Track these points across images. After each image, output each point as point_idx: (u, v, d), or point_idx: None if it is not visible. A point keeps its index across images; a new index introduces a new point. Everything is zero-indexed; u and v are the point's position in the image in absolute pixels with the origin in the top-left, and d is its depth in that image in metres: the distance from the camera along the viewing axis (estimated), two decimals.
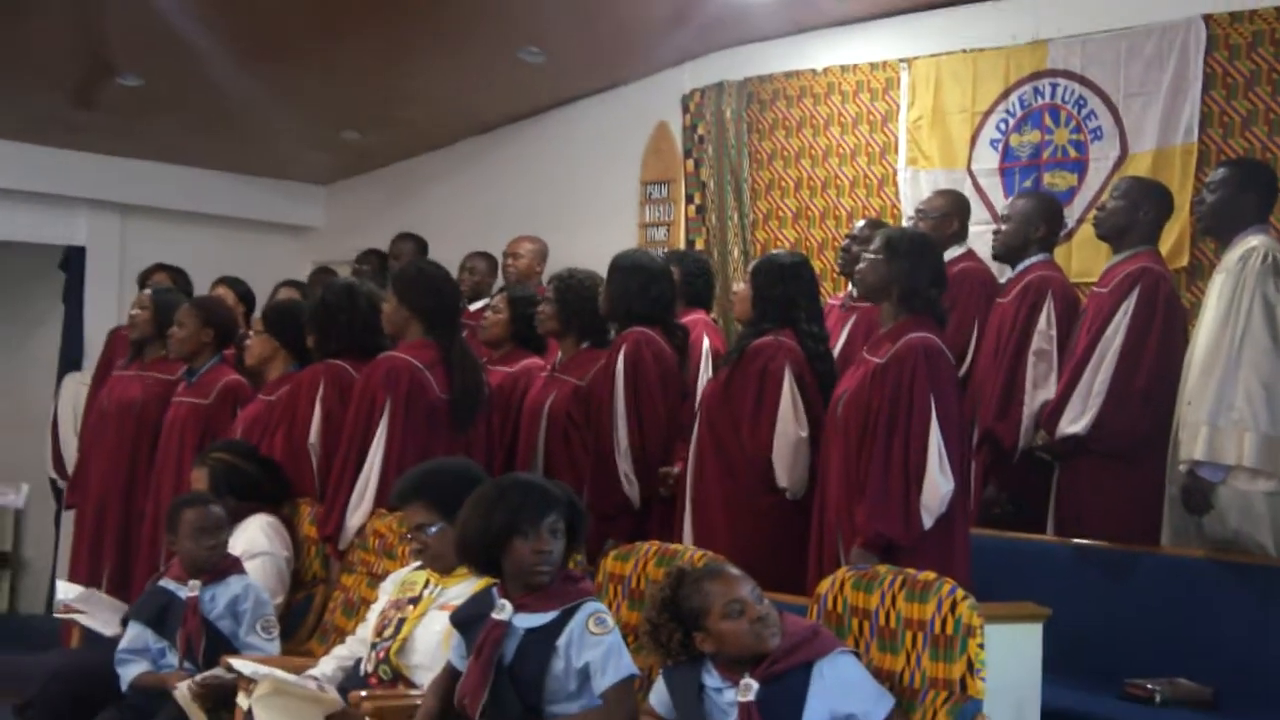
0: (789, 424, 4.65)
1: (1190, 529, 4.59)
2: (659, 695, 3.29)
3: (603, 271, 5.31)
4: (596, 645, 3.35)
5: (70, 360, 8.49)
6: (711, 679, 3.17)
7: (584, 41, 7.26)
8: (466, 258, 7.44)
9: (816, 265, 6.17)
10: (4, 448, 8.85)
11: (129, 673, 4.32)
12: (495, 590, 3.49)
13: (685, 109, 7.55)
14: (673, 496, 4.99)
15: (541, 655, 3.36)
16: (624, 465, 4.96)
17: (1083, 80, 6.18)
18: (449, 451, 4.68)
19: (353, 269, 7.75)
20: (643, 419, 5.00)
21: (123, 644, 4.40)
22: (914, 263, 4.27)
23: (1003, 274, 5.64)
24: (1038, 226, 5.38)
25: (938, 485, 4.01)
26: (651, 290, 5.16)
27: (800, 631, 3.19)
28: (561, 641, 3.37)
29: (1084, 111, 6.17)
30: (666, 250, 7.03)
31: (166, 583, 4.45)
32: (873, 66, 6.88)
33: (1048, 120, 6.29)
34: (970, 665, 3.03)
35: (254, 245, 9.00)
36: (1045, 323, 5.16)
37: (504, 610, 3.43)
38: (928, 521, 4.02)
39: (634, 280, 5.15)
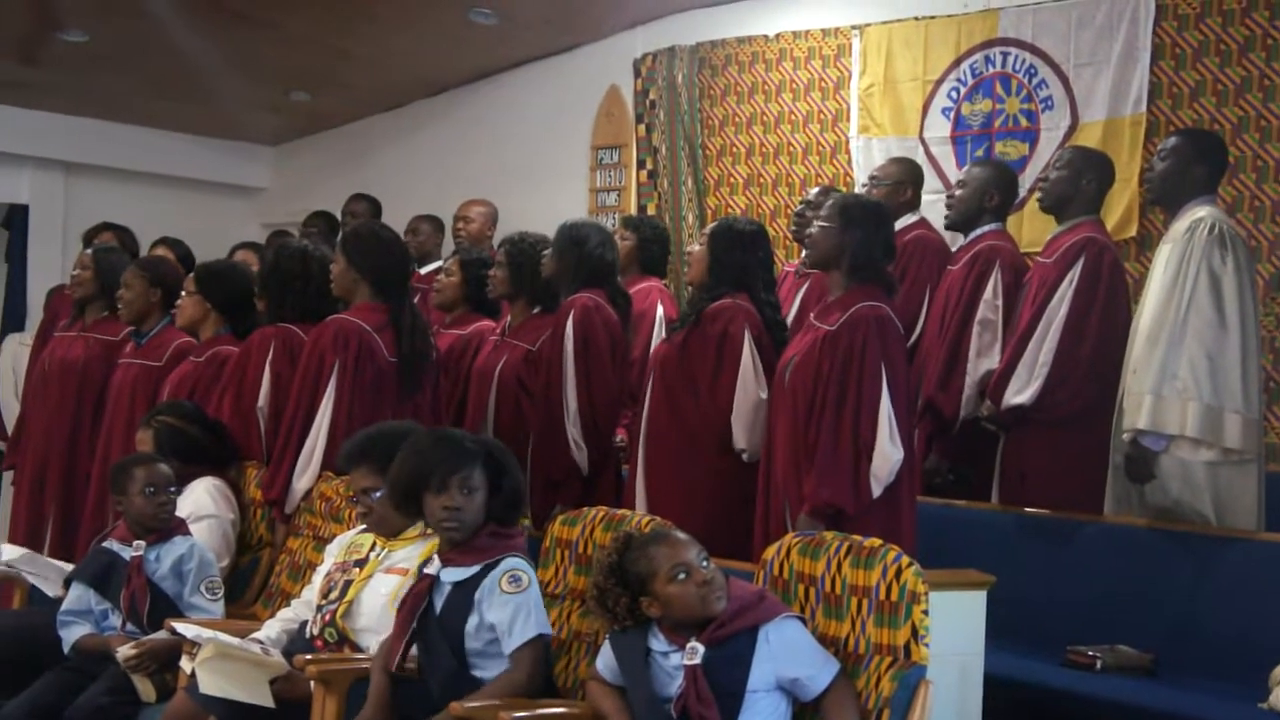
0: (750, 385, 4.64)
1: (1132, 498, 4.63)
2: (606, 660, 3.31)
3: (553, 236, 5.30)
4: (505, 604, 3.41)
5: (13, 320, 8.41)
6: (658, 643, 3.19)
7: (536, 4, 7.23)
8: (411, 220, 7.43)
9: (770, 232, 6.16)
10: None
11: (71, 635, 4.30)
12: None
13: (637, 73, 7.53)
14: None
15: (462, 609, 3.44)
16: (573, 431, 4.94)
17: (1033, 49, 6.21)
18: (397, 415, 4.65)
19: (301, 231, 7.69)
20: (591, 385, 4.98)
21: (65, 605, 4.37)
22: (866, 231, 4.27)
23: (955, 242, 5.67)
24: (991, 195, 5.39)
25: (888, 455, 4.03)
26: (596, 256, 5.13)
27: (746, 596, 3.21)
28: (478, 595, 3.44)
29: (1035, 81, 6.20)
30: (620, 215, 7.02)
31: (110, 543, 4.43)
32: (825, 33, 6.88)
33: (999, 89, 6.32)
34: (915, 632, 3.06)
35: (202, 206, 8.95)
36: (991, 292, 5.18)
37: (433, 564, 3.55)
38: (877, 491, 4.04)
39: (580, 246, 5.13)
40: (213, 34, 7.26)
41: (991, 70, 6.33)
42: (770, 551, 3.49)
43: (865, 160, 6.58)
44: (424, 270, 6.84)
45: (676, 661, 3.14)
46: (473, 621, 3.43)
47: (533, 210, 7.04)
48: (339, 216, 7.93)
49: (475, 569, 3.50)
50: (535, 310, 5.38)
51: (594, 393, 4.98)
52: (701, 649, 3.11)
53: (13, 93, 7.99)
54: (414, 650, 3.51)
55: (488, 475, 3.54)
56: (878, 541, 3.25)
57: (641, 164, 7.51)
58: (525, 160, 7.90)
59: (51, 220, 8.58)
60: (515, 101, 8.08)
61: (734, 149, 7.17)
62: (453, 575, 3.52)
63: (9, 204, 8.64)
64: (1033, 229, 5.96)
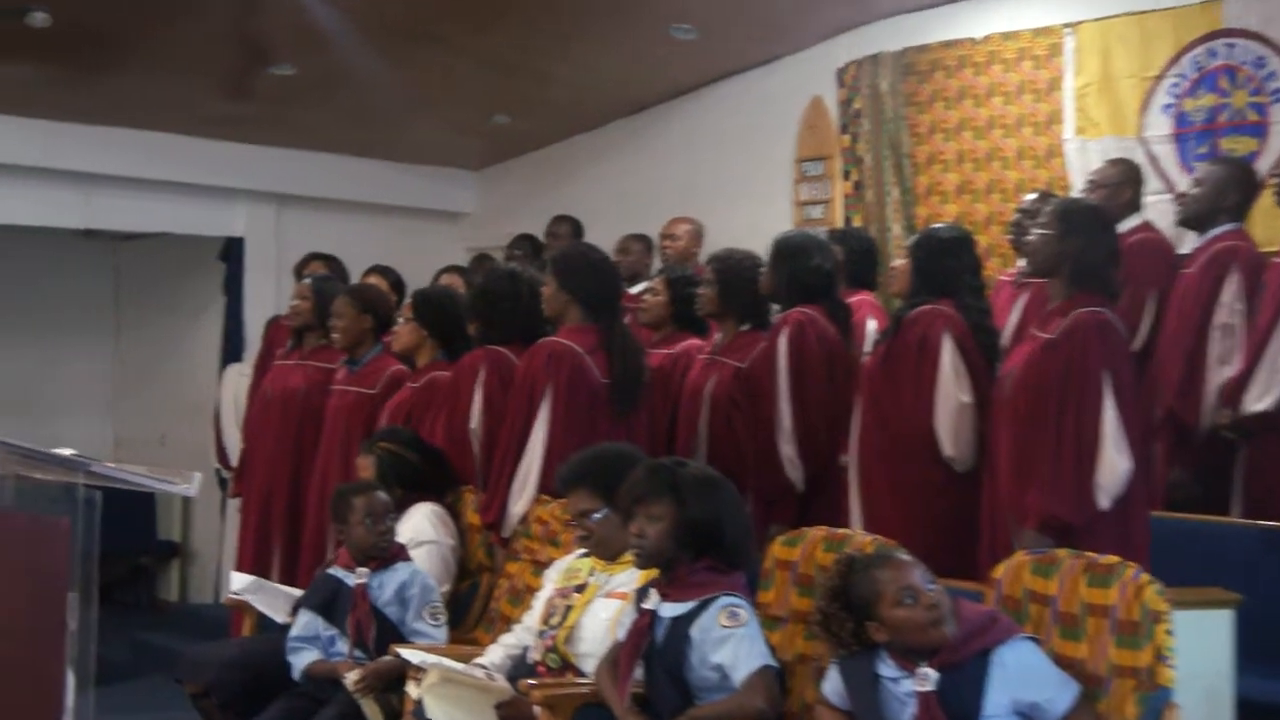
0: (950, 388, 4.58)
1: None
2: (833, 685, 3.29)
3: (760, 251, 5.31)
4: (727, 639, 3.45)
5: (232, 351, 8.71)
6: (887, 668, 3.17)
7: (736, 16, 7.23)
8: (621, 240, 7.48)
9: (982, 240, 6.09)
10: (173, 438, 9.18)
11: (301, 661, 4.45)
12: None
13: (840, 82, 7.48)
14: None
15: (681, 644, 3.48)
16: (787, 449, 4.94)
17: (1262, 39, 5.99)
18: (611, 437, 4.72)
19: (506, 254, 7.84)
20: (806, 401, 4.98)
21: (293, 632, 4.53)
22: (1088, 237, 4.19)
23: (1181, 242, 5.51)
24: (1229, 194, 5.22)
25: (1114, 464, 3.93)
26: (815, 269, 5.13)
27: (977, 618, 3.17)
28: (695, 631, 3.48)
29: (1264, 72, 5.98)
30: (827, 230, 6.99)
31: (335, 570, 4.57)
32: (1035, 33, 6.74)
33: (1224, 83, 6.11)
34: (1158, 653, 2.98)
35: (407, 232, 9.13)
36: (1231, 295, 5.02)
37: (651, 598, 3.59)
38: (1104, 502, 3.94)
39: (797, 260, 5.13)
40: (414, 61, 7.43)
41: (1215, 63, 6.12)
42: (1000, 570, 3.45)
43: (1081, 163, 6.43)
44: (634, 290, 6.90)
45: (907, 688, 3.11)
46: (694, 657, 3.47)
47: (737, 226, 7.05)
48: (542, 239, 8.06)
49: (691, 605, 3.53)
50: (744, 327, 5.38)
51: (808, 409, 4.98)
52: (933, 674, 3.07)
53: (226, 128, 8.26)
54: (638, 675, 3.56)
55: (676, 506, 3.57)
56: (1115, 558, 3.18)
57: (846, 175, 7.46)
58: (727, 175, 7.91)
59: (265, 252, 8.84)
60: (716, 116, 8.10)
61: (943, 156, 7.08)
62: (670, 610, 3.57)
63: (225, 237, 8.94)
64: (1265, 227, 5.75)
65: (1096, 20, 6.50)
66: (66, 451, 2.52)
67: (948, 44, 7.05)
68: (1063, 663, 3.15)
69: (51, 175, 7.95)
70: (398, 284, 7.11)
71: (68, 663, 2.38)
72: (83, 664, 2.41)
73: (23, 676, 2.48)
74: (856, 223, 7.28)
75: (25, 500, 2.60)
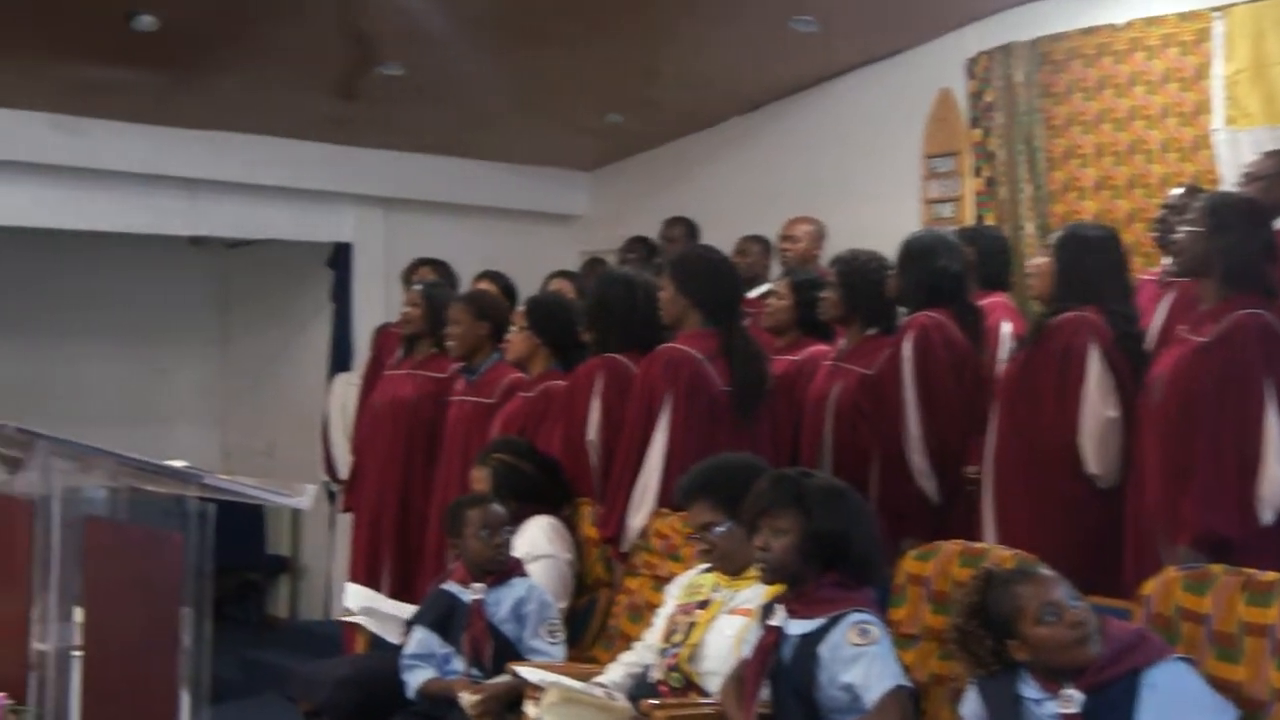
0: (1096, 403, 4.50)
1: None
2: (972, 708, 3.25)
3: (886, 252, 5.26)
4: (858, 657, 3.41)
5: (340, 360, 8.81)
6: (1029, 689, 3.12)
7: (860, 6, 7.19)
8: (739, 242, 7.46)
9: (1124, 238, 5.97)
10: (280, 450, 9.31)
11: (415, 679, 4.49)
12: None
13: (970, 74, 7.40)
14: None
15: (808, 663, 3.45)
16: (918, 460, 4.89)
17: None
18: (732, 446, 4.68)
19: (619, 257, 7.86)
20: (934, 409, 4.93)
21: (408, 649, 4.56)
22: (1241, 234, 4.10)
23: None
24: None
25: (1277, 476, 3.84)
26: (943, 271, 5.08)
27: (1125, 637, 3.12)
28: (824, 649, 3.45)
29: None
30: (957, 228, 6.92)
31: (450, 586, 4.60)
32: (1181, 17, 6.62)
33: None
34: None
35: (517, 236, 9.14)
36: None
37: (777, 615, 3.57)
38: (1266, 516, 3.84)
39: (925, 261, 5.08)
40: (525, 59, 7.47)
41: None
42: (1149, 586, 3.38)
43: (1232, 154, 6.29)
44: (752, 294, 6.89)
45: (1051, 710, 3.06)
46: (823, 677, 3.45)
47: (862, 226, 6.99)
48: (656, 241, 8.06)
49: (820, 621, 3.51)
50: (871, 332, 5.33)
51: (938, 417, 4.93)
52: (1079, 696, 3.02)
53: (333, 130, 8.36)
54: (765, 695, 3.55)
55: (802, 518, 3.55)
56: (1275, 575, 3.11)
57: (978, 171, 7.38)
58: (850, 174, 7.86)
59: (373, 257, 8.93)
60: (838, 112, 8.05)
61: (1080, 150, 6.97)
62: (797, 628, 3.54)
63: (333, 243, 9.05)
64: None
65: (1248, 2, 6.36)
66: (179, 463, 2.56)
67: (1086, 31, 6.95)
68: (1219, 685, 3.08)
69: (157, 181, 8.10)
70: (508, 290, 7.13)
71: (182, 680, 2.42)
72: (197, 681, 2.45)
73: (138, 694, 2.52)
74: (988, 221, 7.20)
75: (137, 513, 2.65)
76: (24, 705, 2.65)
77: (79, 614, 2.64)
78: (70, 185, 7.84)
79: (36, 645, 2.66)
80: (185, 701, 2.40)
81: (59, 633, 2.66)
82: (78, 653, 2.63)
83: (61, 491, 2.67)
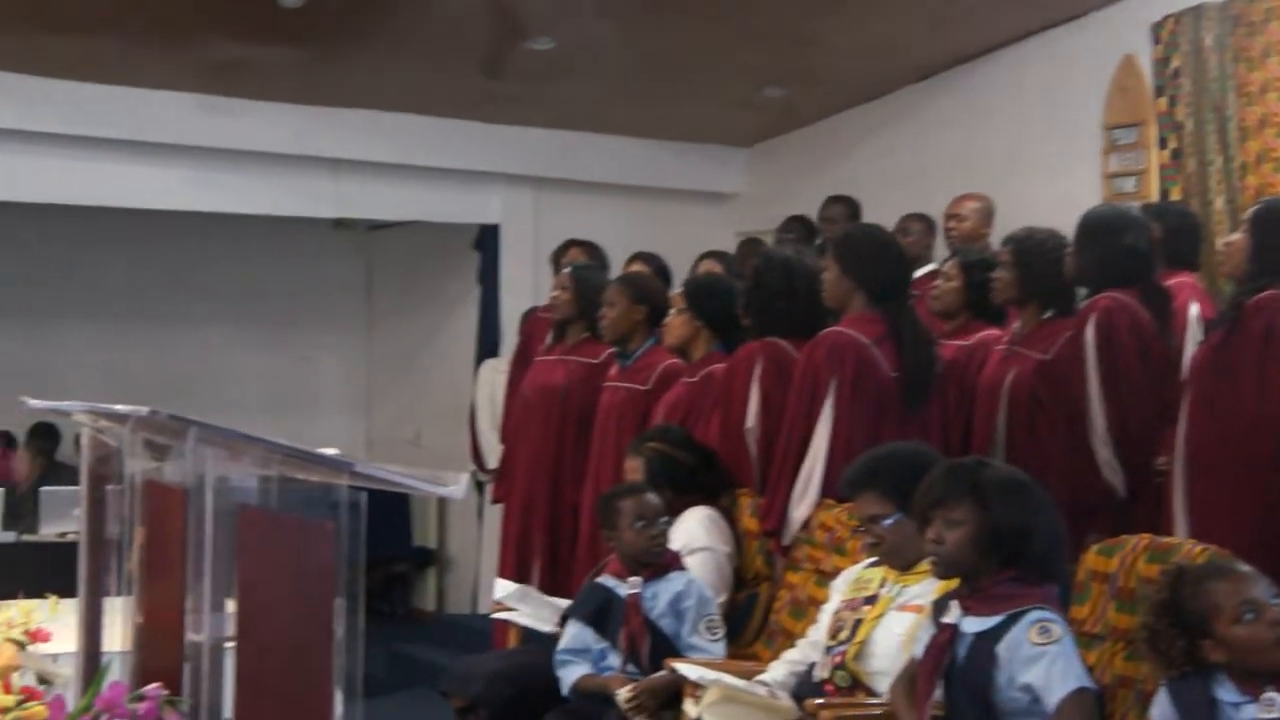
0: None
1: None
2: (1163, 711, 3.21)
3: (1063, 230, 5.18)
4: (1038, 657, 3.37)
5: (487, 345, 8.91)
6: (1226, 692, 3.08)
7: None
8: (901, 220, 7.39)
9: None
10: (427, 438, 9.45)
11: (570, 675, 4.53)
12: None
13: (1156, 39, 7.26)
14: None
15: (986, 662, 3.42)
16: (1103, 451, 4.80)
17: None
18: (900, 435, 4.66)
19: (776, 238, 7.83)
20: (1120, 397, 4.84)
21: (562, 644, 4.61)
22: None
23: None
24: None
25: None
26: (1128, 249, 4.99)
27: None
28: (1002, 648, 3.41)
29: None
30: (1141, 204, 6.79)
31: (605, 579, 4.64)
32: None
33: None
34: None
35: (670, 215, 9.17)
36: None
37: (951, 612, 3.54)
38: None
39: (1107, 239, 5.00)
40: (678, 31, 7.48)
41: None
42: None
43: None
44: (915, 275, 6.82)
45: (1250, 714, 3.02)
46: (1001, 678, 3.42)
47: (1036, 202, 6.88)
48: (815, 220, 8.03)
49: (998, 619, 3.47)
50: (1047, 315, 5.25)
51: (1124, 406, 4.84)
52: None
53: (480, 108, 8.45)
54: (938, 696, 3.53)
55: (979, 511, 3.51)
56: None
57: (1163, 143, 7.23)
58: (1023, 147, 7.76)
59: (522, 239, 9.01)
60: (1010, 82, 7.95)
61: (1276, 119, 6.80)
62: (973, 625, 3.51)
63: (480, 224, 9.15)
64: None
65: None
66: (330, 451, 2.61)
67: None
68: None
69: (301, 162, 8.28)
70: (662, 272, 7.14)
71: (335, 672, 2.46)
72: (350, 674, 2.49)
73: (291, 686, 2.57)
74: (1175, 196, 7.07)
75: (287, 502, 2.70)
76: (179, 696, 2.71)
77: (231, 605, 2.70)
78: (216, 167, 8.05)
79: (191, 636, 2.71)
80: (338, 695, 2.44)
81: (212, 623, 2.71)
82: (230, 644, 2.68)
83: (214, 480, 2.72)
